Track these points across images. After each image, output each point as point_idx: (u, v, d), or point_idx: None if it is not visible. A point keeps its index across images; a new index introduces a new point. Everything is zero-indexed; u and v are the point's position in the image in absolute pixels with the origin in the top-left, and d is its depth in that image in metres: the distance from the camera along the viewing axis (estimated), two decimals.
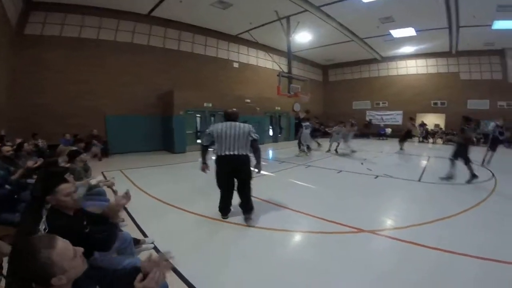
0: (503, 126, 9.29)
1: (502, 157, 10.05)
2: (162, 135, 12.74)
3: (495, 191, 6.05)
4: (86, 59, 10.71)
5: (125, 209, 4.39)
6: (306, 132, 11.29)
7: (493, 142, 9.13)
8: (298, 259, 3.28)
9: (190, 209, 4.72)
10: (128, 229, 3.47)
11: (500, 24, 12.88)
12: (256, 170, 4.32)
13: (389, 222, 4.40)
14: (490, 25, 13.09)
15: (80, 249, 1.29)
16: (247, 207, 4.30)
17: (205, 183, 5.65)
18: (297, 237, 3.98)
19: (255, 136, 4.10)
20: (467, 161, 6.70)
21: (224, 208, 4.44)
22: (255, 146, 4.15)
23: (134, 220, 4.14)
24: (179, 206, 4.88)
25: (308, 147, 11.74)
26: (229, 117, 4.21)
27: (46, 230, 1.79)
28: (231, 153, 4.02)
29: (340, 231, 3.98)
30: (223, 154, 4.04)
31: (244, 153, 4.08)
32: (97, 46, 11.00)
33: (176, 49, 13.52)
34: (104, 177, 6.02)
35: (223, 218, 4.38)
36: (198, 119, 13.57)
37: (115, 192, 4.25)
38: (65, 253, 1.19)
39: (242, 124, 4.11)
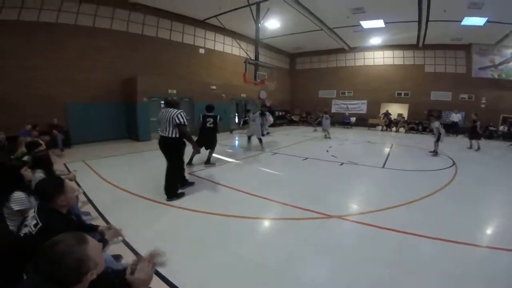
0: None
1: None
2: (126, 123, 12.22)
3: (455, 179, 6.51)
4: (43, 44, 9.84)
5: (91, 202, 4.28)
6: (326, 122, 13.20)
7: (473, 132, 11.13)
8: (269, 245, 3.39)
9: (157, 199, 4.66)
10: (96, 223, 3.29)
11: (470, 21, 13.32)
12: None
13: (355, 208, 4.64)
14: (460, 21, 13.52)
15: (100, 244, 1.29)
16: (167, 184, 4.70)
17: None
18: (267, 224, 4.09)
19: (177, 120, 4.45)
20: (212, 147, 7.28)
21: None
22: (179, 130, 4.53)
23: (100, 213, 4.00)
24: (145, 196, 4.80)
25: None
26: (167, 104, 4.78)
27: (39, 226, 1.76)
28: (162, 134, 4.65)
29: (309, 217, 4.14)
30: (159, 134, 4.75)
31: (170, 136, 4.52)
32: (56, 31, 10.11)
33: (140, 34, 12.84)
34: (67, 169, 5.75)
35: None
36: (162, 106, 13.14)
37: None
38: (96, 247, 1.19)
39: (172, 110, 4.56)
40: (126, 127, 12.24)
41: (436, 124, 9.37)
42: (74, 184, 4.59)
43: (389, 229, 3.72)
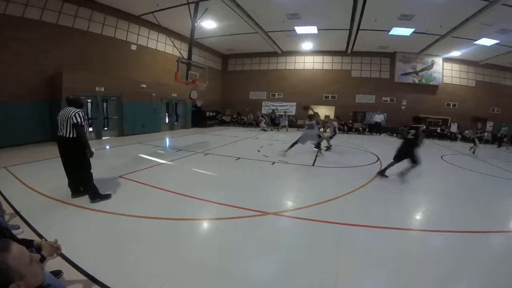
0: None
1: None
2: (51, 124, 11.03)
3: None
4: None
5: (18, 213, 4.12)
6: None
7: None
8: (208, 245, 3.48)
9: (87, 205, 4.51)
10: (26, 235, 3.27)
11: (397, 31, 15.02)
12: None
13: (290, 204, 5.06)
14: (388, 31, 15.11)
15: (37, 256, 1.29)
16: (83, 188, 4.77)
17: (101, 175, 5.60)
18: (205, 225, 4.19)
19: (74, 120, 4.38)
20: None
21: (69, 186, 4.85)
22: (75, 130, 4.43)
23: (29, 224, 3.79)
24: (73, 202, 4.64)
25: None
26: (67, 102, 4.61)
27: None
28: (59, 134, 4.51)
29: (246, 215, 4.36)
30: (57, 134, 4.55)
31: (68, 136, 4.43)
32: None
33: (70, 26, 11.92)
34: None
35: (71, 197, 4.77)
36: (89, 105, 12.27)
37: None
38: (20, 257, 1.14)
39: (70, 109, 4.47)
40: (51, 128, 11.09)
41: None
42: None
43: (325, 221, 4.17)
